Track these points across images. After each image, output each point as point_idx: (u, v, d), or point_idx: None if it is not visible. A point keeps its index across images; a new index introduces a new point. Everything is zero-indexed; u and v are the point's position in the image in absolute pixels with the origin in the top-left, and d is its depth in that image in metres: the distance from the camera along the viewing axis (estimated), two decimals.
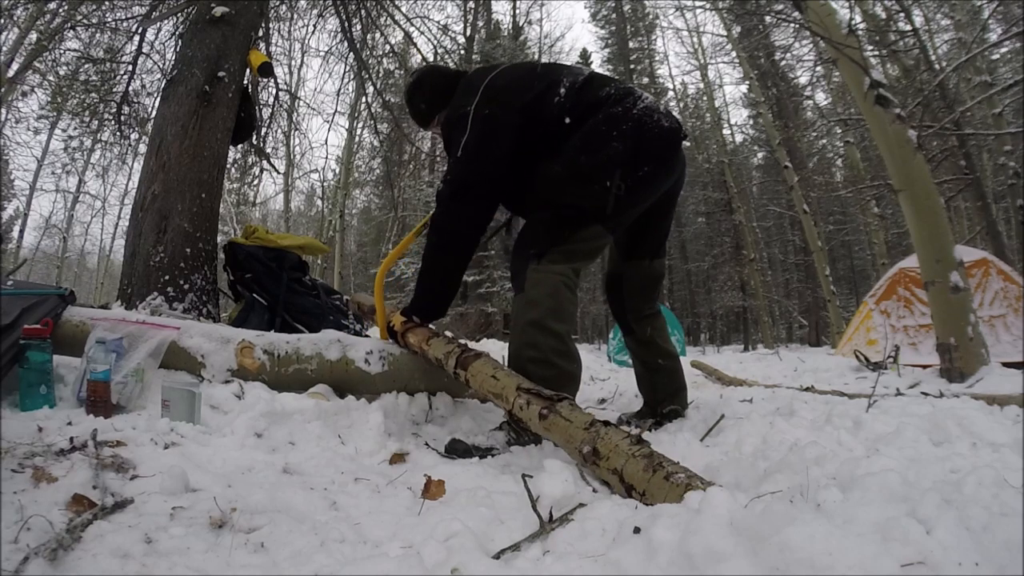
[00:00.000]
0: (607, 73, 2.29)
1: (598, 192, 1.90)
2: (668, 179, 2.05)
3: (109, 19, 5.04)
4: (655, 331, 2.28)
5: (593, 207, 1.92)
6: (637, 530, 0.88)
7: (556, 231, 1.94)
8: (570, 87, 1.99)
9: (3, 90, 6.86)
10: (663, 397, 2.25)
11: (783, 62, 14.30)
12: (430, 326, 2.21)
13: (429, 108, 2.30)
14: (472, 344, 2.06)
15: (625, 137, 1.89)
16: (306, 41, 6.61)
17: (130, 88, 4.88)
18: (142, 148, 5.07)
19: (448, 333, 2.21)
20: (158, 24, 4.75)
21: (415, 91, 2.33)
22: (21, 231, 16.98)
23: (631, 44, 22.48)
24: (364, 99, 8.13)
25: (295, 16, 6.03)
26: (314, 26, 6.10)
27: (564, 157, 1.93)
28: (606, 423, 1.31)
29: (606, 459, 1.21)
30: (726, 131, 20.46)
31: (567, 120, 1.95)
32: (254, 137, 4.75)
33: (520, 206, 2.18)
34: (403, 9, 5.83)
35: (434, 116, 2.30)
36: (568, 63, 2.43)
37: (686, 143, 2.08)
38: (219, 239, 3.44)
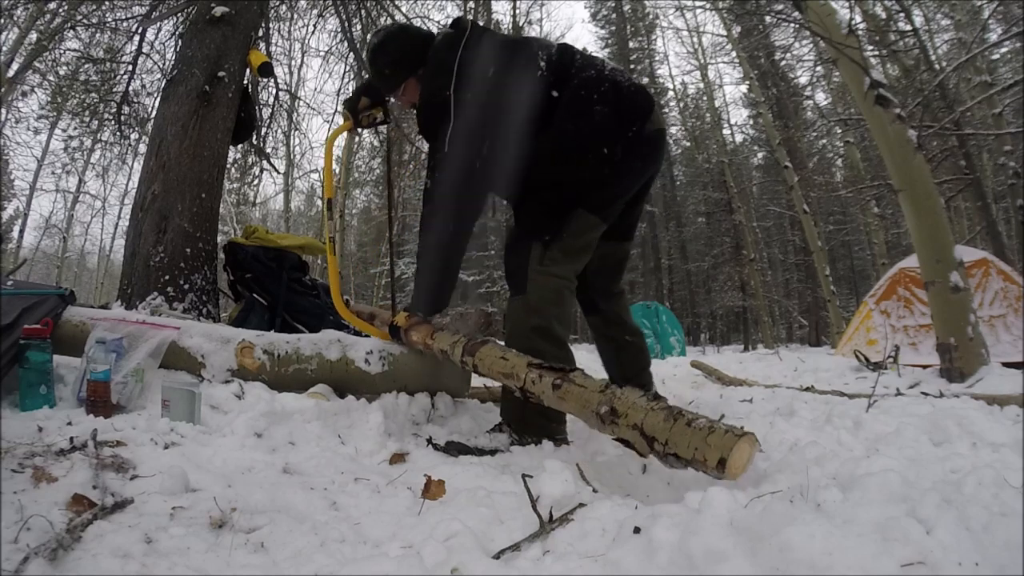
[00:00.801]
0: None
1: (595, 162, 1.87)
2: (653, 149, 2.02)
3: (109, 19, 5.04)
4: (621, 308, 2.28)
5: (593, 179, 1.89)
6: (637, 530, 0.88)
7: (555, 220, 1.90)
8: (548, 59, 1.95)
9: (3, 90, 6.85)
10: (631, 375, 2.21)
11: (783, 62, 14.31)
12: (431, 323, 2.20)
13: (394, 73, 2.12)
14: None
15: (606, 100, 1.88)
16: (306, 41, 6.60)
17: (130, 88, 4.89)
18: (142, 148, 5.06)
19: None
20: (158, 24, 4.75)
21: (379, 53, 2.14)
22: (21, 231, 16.95)
23: (631, 44, 22.46)
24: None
25: (295, 16, 6.02)
26: (314, 26, 6.10)
27: (553, 131, 1.89)
28: (622, 386, 1.31)
29: (625, 416, 1.21)
30: (726, 131, 20.43)
31: (554, 93, 1.91)
32: (254, 137, 4.75)
33: (514, 190, 2.08)
34: (403, 9, 5.82)
35: (400, 83, 2.13)
36: (534, 36, 2.34)
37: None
38: (219, 239, 3.44)
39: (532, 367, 1.55)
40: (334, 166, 2.52)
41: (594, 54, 2.02)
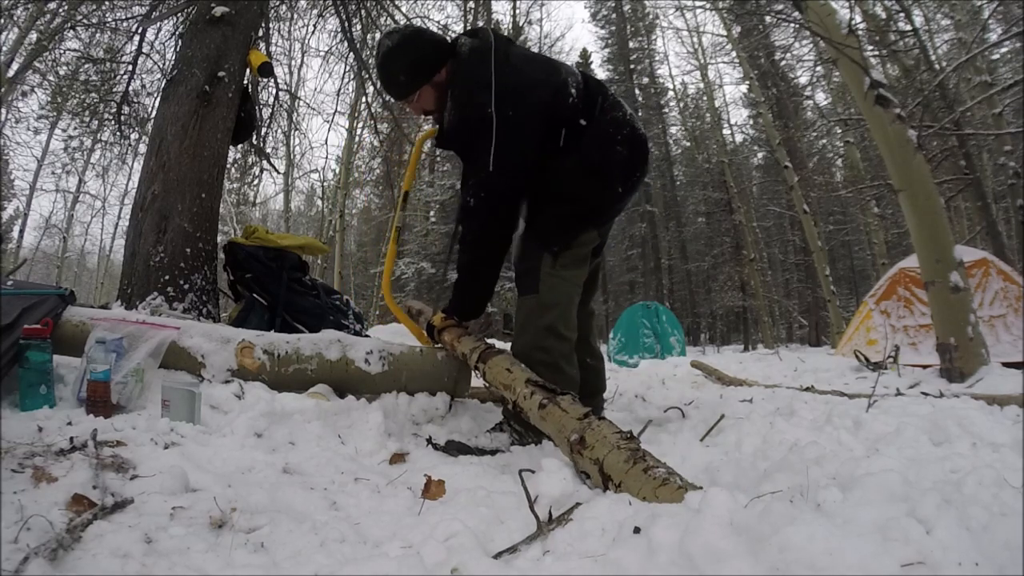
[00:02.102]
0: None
1: (605, 192, 1.99)
2: (641, 184, 2.20)
3: (109, 19, 5.03)
4: (589, 329, 2.30)
5: (599, 204, 2.01)
6: (637, 530, 0.88)
7: (570, 229, 1.98)
8: (578, 88, 1.99)
9: (3, 90, 6.85)
10: (582, 395, 2.22)
11: (783, 62, 14.30)
12: (464, 326, 2.25)
13: (410, 81, 2.02)
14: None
15: (626, 141, 1.99)
16: (306, 41, 6.59)
17: (130, 88, 4.88)
18: (142, 148, 5.05)
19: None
20: (158, 24, 4.74)
21: (395, 57, 2.00)
22: (21, 231, 16.95)
23: (631, 44, 22.46)
24: (364, 99, 8.12)
25: (295, 16, 6.02)
26: (314, 26, 6.09)
27: (580, 157, 1.96)
28: (600, 417, 1.31)
29: (591, 448, 1.21)
30: (726, 131, 20.42)
31: (583, 121, 1.96)
32: (254, 137, 4.75)
33: (532, 202, 2.11)
34: (403, 9, 5.82)
35: (414, 91, 2.03)
36: (559, 60, 2.37)
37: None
38: (219, 239, 3.44)
39: (529, 383, 1.59)
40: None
41: (613, 92, 2.15)
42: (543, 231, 2.01)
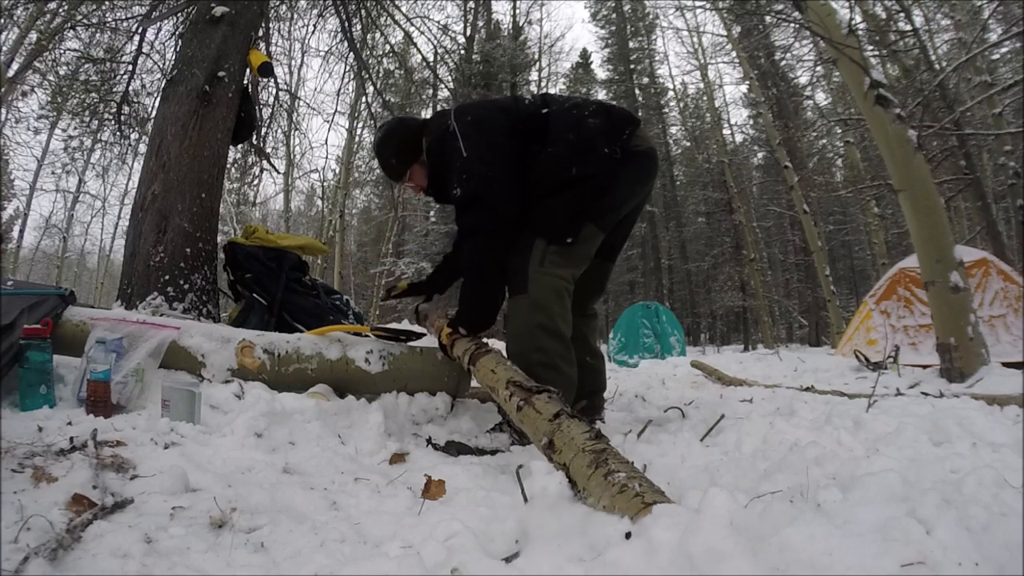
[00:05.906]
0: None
1: (599, 159, 1.96)
2: (648, 163, 2.11)
3: (109, 19, 5.04)
4: (589, 330, 2.31)
5: (597, 179, 1.95)
6: (628, 535, 0.87)
7: (562, 223, 1.95)
8: (533, 95, 2.19)
9: (3, 90, 6.85)
10: (581, 395, 2.15)
11: (783, 62, 14.30)
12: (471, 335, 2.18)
13: (400, 162, 2.24)
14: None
15: (597, 113, 2.03)
16: (306, 41, 6.59)
17: (130, 88, 4.88)
18: (142, 148, 5.06)
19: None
20: (158, 24, 4.74)
21: (384, 146, 2.26)
22: (21, 231, 16.96)
23: (631, 44, 22.47)
24: (364, 99, 8.13)
25: (295, 16, 6.02)
26: (314, 26, 6.10)
27: (552, 139, 2.00)
28: (573, 416, 1.24)
29: (559, 452, 1.16)
30: (726, 131, 20.42)
31: (544, 111, 2.06)
32: (254, 137, 4.75)
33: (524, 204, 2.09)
34: (403, 9, 5.83)
35: (406, 169, 2.24)
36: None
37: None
38: (219, 239, 3.44)
39: (510, 384, 1.53)
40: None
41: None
42: (535, 223, 1.98)
